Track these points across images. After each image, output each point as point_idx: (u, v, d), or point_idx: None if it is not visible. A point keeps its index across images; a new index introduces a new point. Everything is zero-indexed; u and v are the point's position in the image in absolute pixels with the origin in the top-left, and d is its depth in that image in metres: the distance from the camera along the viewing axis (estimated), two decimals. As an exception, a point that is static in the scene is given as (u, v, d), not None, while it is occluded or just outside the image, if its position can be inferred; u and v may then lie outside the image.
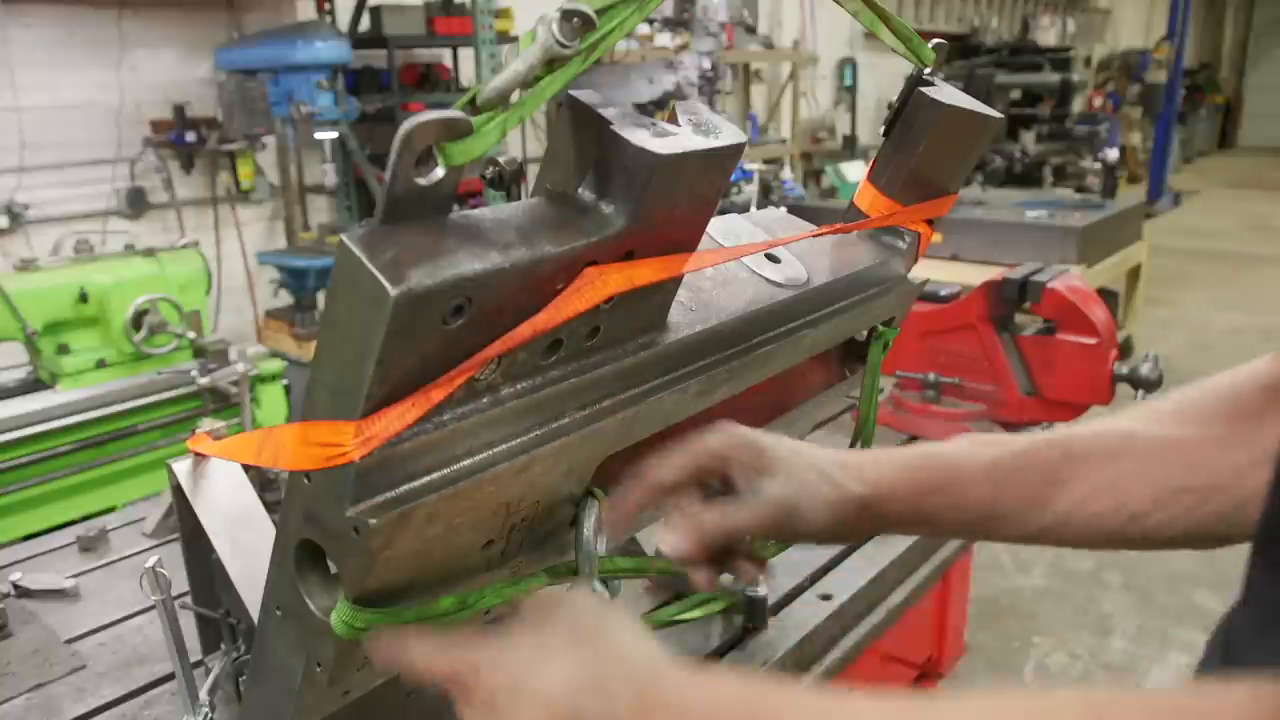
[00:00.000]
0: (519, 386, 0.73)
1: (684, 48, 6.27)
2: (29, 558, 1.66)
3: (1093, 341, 2.00)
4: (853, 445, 1.25)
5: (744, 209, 1.32)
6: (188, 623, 1.10)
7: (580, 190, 0.73)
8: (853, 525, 0.80)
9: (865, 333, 1.22)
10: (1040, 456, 0.78)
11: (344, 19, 5.59)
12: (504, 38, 5.33)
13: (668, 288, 0.83)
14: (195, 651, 1.15)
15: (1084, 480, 0.76)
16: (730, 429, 0.83)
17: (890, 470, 0.79)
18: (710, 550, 0.82)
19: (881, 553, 1.63)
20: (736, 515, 0.80)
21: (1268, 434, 0.71)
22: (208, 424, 1.05)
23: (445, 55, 6.36)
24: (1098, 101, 12.73)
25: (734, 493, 0.83)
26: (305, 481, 0.69)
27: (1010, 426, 2.14)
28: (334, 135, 4.97)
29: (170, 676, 1.25)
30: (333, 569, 0.74)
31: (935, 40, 1.04)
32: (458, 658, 0.68)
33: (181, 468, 1.07)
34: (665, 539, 0.78)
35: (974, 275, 2.53)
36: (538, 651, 0.65)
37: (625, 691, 0.61)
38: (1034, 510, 0.77)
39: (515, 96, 0.66)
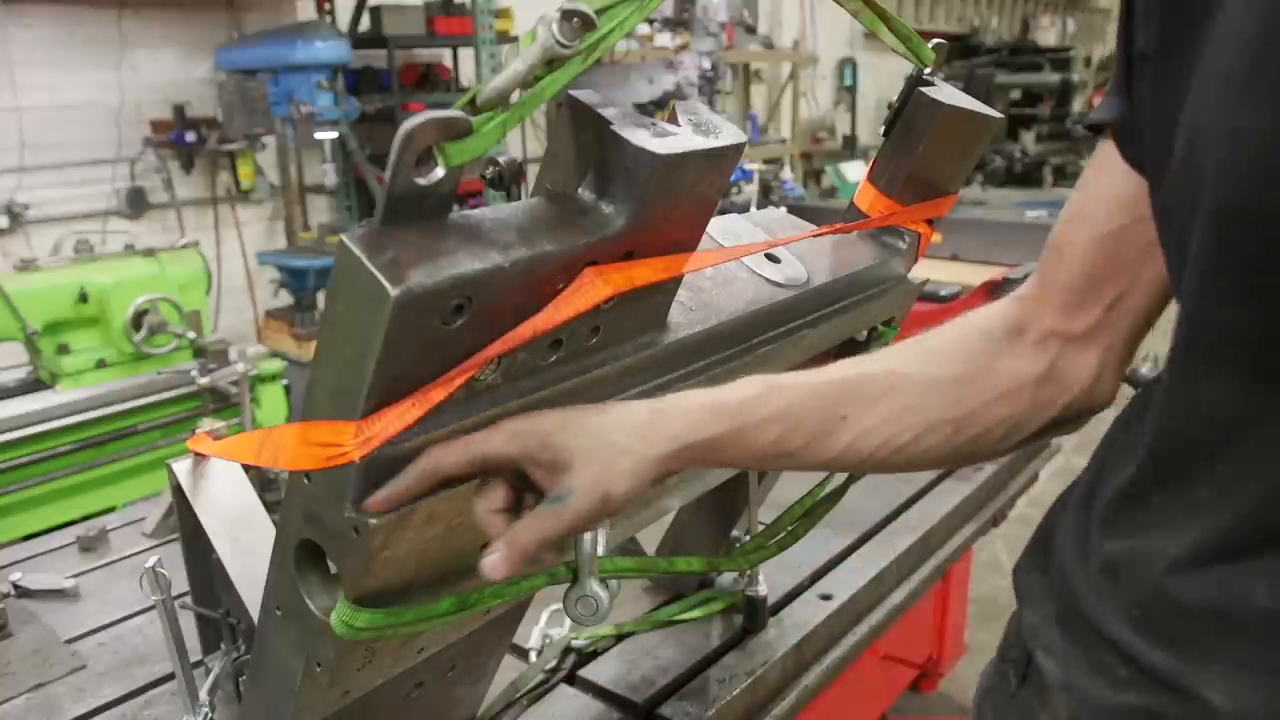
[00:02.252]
0: (519, 386, 0.73)
1: (684, 48, 6.27)
2: (29, 558, 1.66)
3: (1093, 341, 2.00)
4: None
5: (744, 209, 1.32)
6: (188, 623, 1.10)
7: (580, 190, 0.73)
8: (658, 479, 0.82)
9: (865, 333, 1.22)
10: (825, 399, 0.86)
11: (344, 19, 5.59)
12: (504, 38, 5.33)
13: (668, 288, 0.83)
14: (195, 651, 1.15)
15: (860, 419, 0.86)
16: (513, 425, 0.77)
17: (682, 426, 0.80)
18: (539, 561, 0.81)
19: (881, 553, 1.63)
20: (551, 523, 0.76)
21: (1005, 371, 0.87)
22: (208, 424, 1.05)
23: (445, 55, 6.35)
24: (1097, 101, 12.71)
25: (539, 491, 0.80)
26: (305, 481, 0.69)
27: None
28: (334, 135, 4.97)
29: (170, 676, 1.25)
30: (333, 569, 0.74)
31: (935, 40, 1.04)
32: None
33: (181, 468, 1.07)
34: (484, 563, 0.74)
35: (974, 275, 2.53)
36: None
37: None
38: (818, 446, 0.85)
39: (515, 96, 0.66)
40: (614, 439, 0.78)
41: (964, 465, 0.89)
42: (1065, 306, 0.86)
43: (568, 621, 1.37)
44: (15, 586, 1.52)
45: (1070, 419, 0.91)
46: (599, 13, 0.67)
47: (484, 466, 0.76)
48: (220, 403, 3.23)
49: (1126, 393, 2.06)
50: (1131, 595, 0.73)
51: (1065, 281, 0.85)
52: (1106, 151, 0.81)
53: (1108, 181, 0.81)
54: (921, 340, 0.91)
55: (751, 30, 8.38)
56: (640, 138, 0.70)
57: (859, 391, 0.86)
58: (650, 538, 1.46)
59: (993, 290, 2.10)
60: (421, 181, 0.61)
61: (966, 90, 1.08)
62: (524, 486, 0.79)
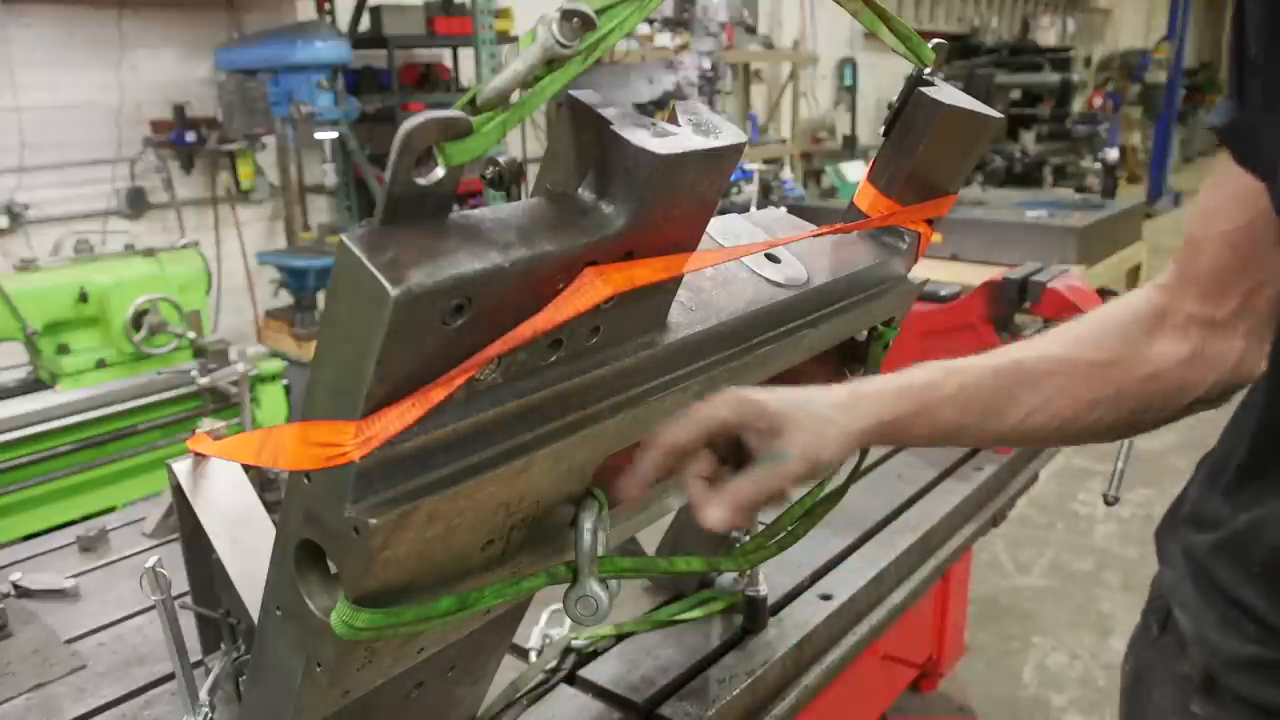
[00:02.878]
0: (519, 386, 0.73)
1: (684, 48, 6.27)
2: (29, 558, 1.66)
3: (1093, 341, 2.00)
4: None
5: (744, 209, 1.32)
6: (188, 623, 1.10)
7: (580, 190, 0.73)
8: (854, 450, 0.96)
9: (865, 333, 1.22)
10: (996, 380, 0.98)
11: (344, 19, 5.59)
12: (504, 38, 5.33)
13: (668, 288, 0.83)
14: (195, 651, 1.15)
15: (1027, 399, 0.97)
16: (735, 396, 0.89)
17: (876, 405, 0.94)
18: (750, 517, 0.91)
19: (881, 553, 1.63)
20: (770, 479, 0.88)
21: (1153, 354, 0.97)
22: (208, 424, 1.05)
23: (445, 55, 6.36)
24: (1098, 101, 12.73)
25: (748, 455, 0.90)
26: (305, 481, 0.69)
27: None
28: (334, 135, 4.97)
29: (170, 676, 1.25)
30: (333, 569, 0.74)
31: (935, 40, 1.04)
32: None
33: (181, 468, 1.07)
34: (709, 514, 0.86)
35: (974, 275, 2.53)
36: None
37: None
38: (990, 423, 0.97)
39: (515, 96, 0.66)
40: (821, 411, 0.91)
41: (1126, 436, 1.07)
42: (1204, 295, 0.94)
43: (568, 621, 1.37)
44: (15, 586, 1.52)
45: (1219, 395, 0.99)
46: (599, 13, 0.67)
47: (710, 434, 0.88)
48: (220, 403, 3.23)
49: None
50: (1255, 557, 0.84)
51: (1202, 273, 0.93)
52: (1227, 152, 0.88)
53: (1230, 181, 0.87)
54: (1073, 327, 1.03)
55: (751, 30, 8.38)
56: (640, 138, 0.69)
57: (1024, 373, 0.98)
58: (650, 538, 1.46)
59: (993, 290, 2.10)
60: (421, 181, 0.61)
61: (966, 90, 1.08)
62: (726, 457, 0.90)
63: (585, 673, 1.29)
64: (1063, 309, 2.03)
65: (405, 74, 5.91)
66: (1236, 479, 0.89)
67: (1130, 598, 3.49)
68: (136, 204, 5.17)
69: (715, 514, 0.85)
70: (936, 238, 1.22)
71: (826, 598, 1.48)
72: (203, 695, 1.09)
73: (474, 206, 1.06)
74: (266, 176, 5.58)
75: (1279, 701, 0.84)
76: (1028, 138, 9.91)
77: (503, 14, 5.44)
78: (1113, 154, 6.58)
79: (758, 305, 0.96)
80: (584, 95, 0.71)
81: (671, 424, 0.87)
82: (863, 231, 1.17)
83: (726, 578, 1.46)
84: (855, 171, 7.28)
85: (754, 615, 1.38)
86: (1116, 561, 3.78)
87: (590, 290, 0.70)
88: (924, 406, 0.95)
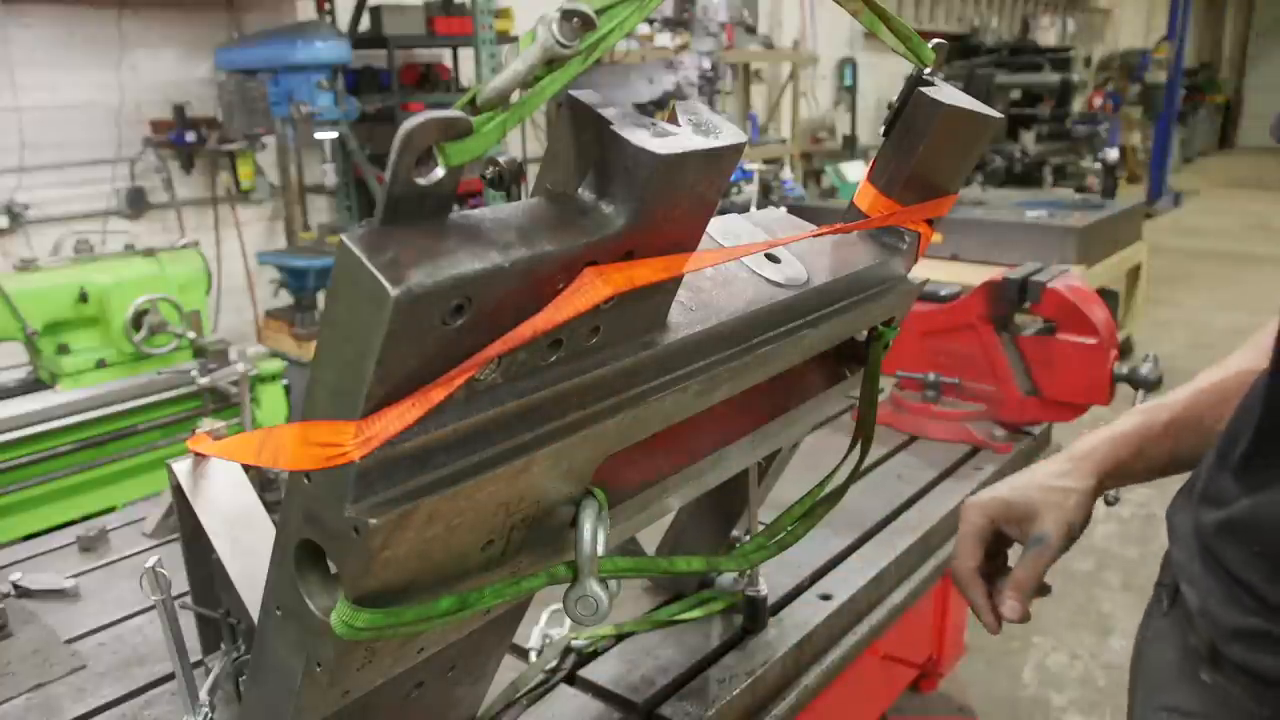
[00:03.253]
0: (519, 386, 0.73)
1: (684, 48, 6.27)
2: (29, 558, 1.66)
3: (1093, 341, 2.00)
4: (852, 446, 1.25)
5: (744, 209, 1.32)
6: (188, 623, 1.10)
7: (580, 190, 0.73)
8: (1092, 504, 1.10)
9: (865, 333, 1.21)
10: (1200, 408, 1.09)
11: (344, 19, 5.59)
12: (504, 38, 5.33)
13: (668, 288, 0.83)
14: (195, 651, 1.15)
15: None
16: (979, 503, 1.09)
17: (1097, 464, 1.08)
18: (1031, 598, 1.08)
19: (881, 553, 1.63)
20: (1041, 560, 1.05)
21: None
22: (208, 424, 1.05)
23: (445, 55, 6.36)
24: (1098, 101, 12.73)
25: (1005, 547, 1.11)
26: (305, 481, 0.69)
27: (1010, 427, 2.14)
28: (334, 135, 4.97)
29: (170, 676, 1.25)
30: (333, 569, 0.74)
31: (935, 40, 1.04)
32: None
33: (181, 468, 1.07)
34: (1011, 609, 1.04)
35: (974, 275, 2.53)
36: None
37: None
38: (1203, 446, 1.04)
39: (515, 96, 0.66)
40: (1055, 484, 1.07)
41: None
42: None
43: (568, 621, 1.37)
44: (15, 586, 1.52)
45: None
46: (599, 13, 0.67)
47: (984, 545, 1.08)
48: (220, 403, 3.23)
49: (1126, 392, 2.05)
50: (1257, 538, 0.91)
51: None
52: None
53: None
54: (1260, 340, 1.11)
55: (751, 30, 8.38)
56: (640, 138, 0.69)
57: (1224, 395, 1.07)
58: (650, 538, 1.46)
59: (993, 290, 2.10)
60: (421, 181, 0.61)
61: (966, 90, 1.08)
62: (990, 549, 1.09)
63: (585, 673, 1.29)
64: (1063, 309, 2.04)
65: (405, 74, 5.91)
66: (1242, 462, 0.95)
67: (1130, 598, 3.49)
68: (136, 204, 5.16)
69: (1012, 609, 1.02)
70: (936, 238, 1.22)
71: (826, 598, 1.48)
72: (203, 695, 1.10)
73: (474, 206, 1.06)
74: (266, 176, 5.58)
75: (1275, 669, 0.91)
76: (1028, 138, 9.91)
77: (503, 14, 5.44)
78: (1113, 154, 6.57)
79: (758, 305, 0.96)
80: (584, 95, 0.71)
81: (957, 560, 1.09)
82: (863, 231, 1.17)
83: (726, 578, 1.46)
84: (855, 171, 7.28)
85: (754, 615, 1.38)
86: (1116, 561, 3.78)
87: (590, 290, 0.70)
88: (1140, 450, 1.08)
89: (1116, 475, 1.09)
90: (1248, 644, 0.93)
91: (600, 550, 0.86)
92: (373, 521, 0.65)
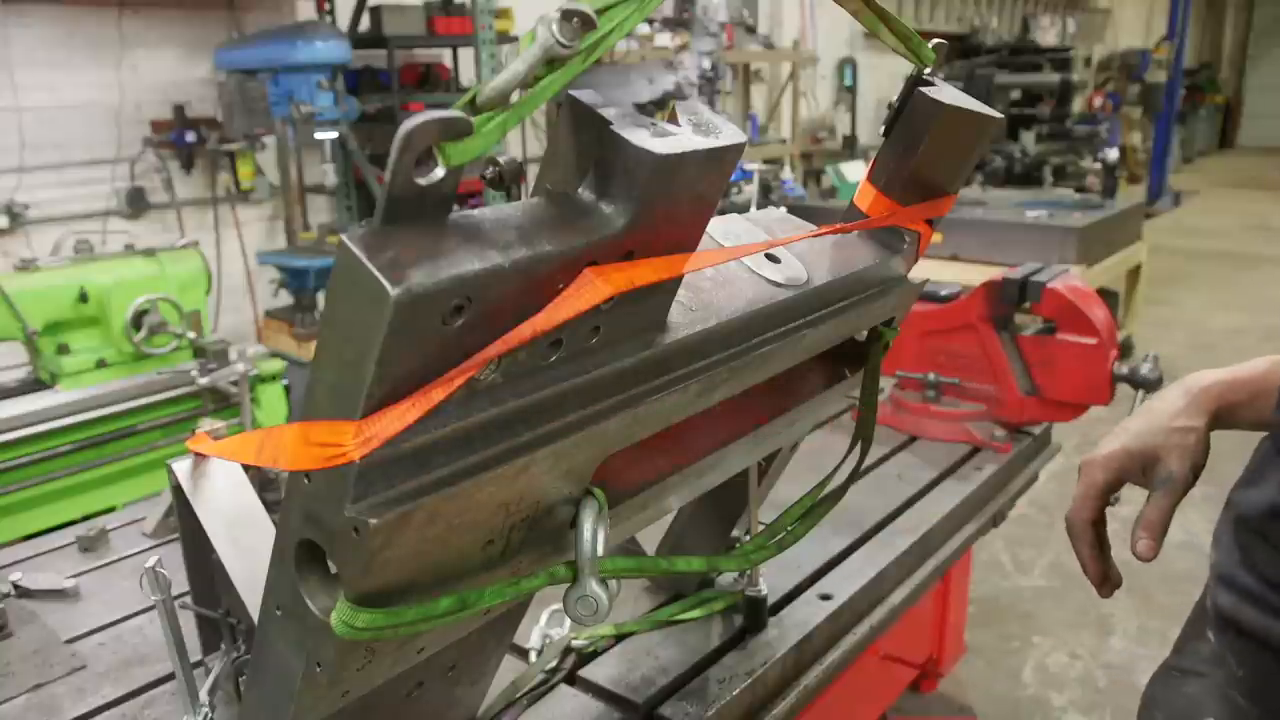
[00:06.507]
0: (519, 386, 0.73)
1: (684, 48, 6.27)
2: (29, 558, 1.66)
3: (1093, 341, 2.00)
4: (852, 446, 1.25)
5: (744, 209, 1.32)
6: (188, 623, 1.10)
7: (580, 190, 0.73)
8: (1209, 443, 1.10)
9: (865, 333, 1.22)
10: None
11: (344, 19, 5.59)
12: (504, 38, 5.33)
13: (668, 288, 0.83)
14: (195, 651, 1.15)
15: None
16: (1099, 459, 1.10)
17: (1211, 398, 1.09)
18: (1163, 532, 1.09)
19: (881, 553, 1.63)
20: (1170, 499, 1.05)
21: None
22: (208, 424, 1.05)
23: (445, 55, 6.35)
24: (1098, 101, 12.73)
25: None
26: (305, 481, 0.69)
27: (1010, 427, 2.14)
28: (334, 135, 4.97)
29: (170, 676, 1.25)
30: (333, 569, 0.74)
31: (935, 40, 1.04)
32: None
33: (181, 468, 1.07)
34: (1147, 547, 1.05)
35: (974, 275, 2.53)
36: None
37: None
38: None
39: (515, 96, 0.66)
40: (1177, 425, 1.08)
41: None
42: None
43: (568, 621, 1.37)
44: (15, 586, 1.52)
45: None
46: (599, 13, 0.67)
47: (1104, 499, 1.11)
48: (220, 403, 3.23)
49: (1126, 393, 2.05)
50: None
51: None
52: None
53: None
54: None
55: (751, 30, 8.38)
56: (640, 138, 0.69)
57: None
58: (650, 538, 1.46)
59: (993, 290, 2.10)
60: (421, 181, 0.61)
61: (966, 90, 1.08)
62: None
63: (585, 673, 1.29)
64: (1063, 309, 2.04)
65: (405, 74, 5.90)
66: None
67: (1130, 598, 3.49)
68: (136, 204, 5.16)
69: (1148, 547, 1.04)
70: (936, 238, 1.22)
71: (826, 598, 1.48)
72: (203, 695, 1.10)
73: (474, 206, 1.06)
74: (266, 176, 5.57)
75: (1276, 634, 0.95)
76: (1028, 138, 9.89)
77: (503, 14, 5.44)
78: (1113, 154, 6.57)
79: (758, 305, 0.96)
80: (584, 95, 0.71)
81: (1074, 510, 1.11)
82: (863, 231, 1.17)
83: (726, 578, 1.46)
84: (855, 171, 7.28)
85: (754, 615, 1.38)
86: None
87: (590, 290, 0.70)
88: (1254, 396, 1.08)
89: (1227, 418, 1.10)
90: (1258, 607, 0.97)
91: (600, 550, 0.86)
92: (373, 521, 0.65)
